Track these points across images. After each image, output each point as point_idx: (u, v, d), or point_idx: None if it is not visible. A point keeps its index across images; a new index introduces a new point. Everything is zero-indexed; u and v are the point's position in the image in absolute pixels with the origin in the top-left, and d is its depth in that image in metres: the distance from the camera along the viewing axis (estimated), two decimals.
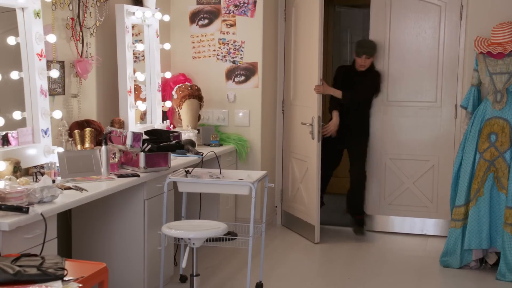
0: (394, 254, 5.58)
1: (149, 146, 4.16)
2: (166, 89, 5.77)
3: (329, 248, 5.75)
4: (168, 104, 5.61)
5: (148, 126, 5.28)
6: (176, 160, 4.78)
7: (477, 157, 4.98)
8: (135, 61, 5.30)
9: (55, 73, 4.08)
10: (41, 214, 3.03)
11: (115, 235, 4.27)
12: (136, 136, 4.15)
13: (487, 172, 4.91)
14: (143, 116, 5.42)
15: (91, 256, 4.25)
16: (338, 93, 5.89)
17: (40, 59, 3.96)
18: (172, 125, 5.73)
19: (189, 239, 3.73)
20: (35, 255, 2.79)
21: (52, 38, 4.04)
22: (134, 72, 5.13)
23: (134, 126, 5.02)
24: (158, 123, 5.44)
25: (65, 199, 3.40)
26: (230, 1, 5.89)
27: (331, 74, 7.27)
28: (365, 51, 5.87)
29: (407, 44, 6.01)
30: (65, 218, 4.37)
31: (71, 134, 4.33)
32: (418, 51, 5.99)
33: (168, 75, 5.57)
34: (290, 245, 5.79)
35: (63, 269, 2.62)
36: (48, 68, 4.16)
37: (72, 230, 4.38)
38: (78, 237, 4.38)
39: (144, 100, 5.36)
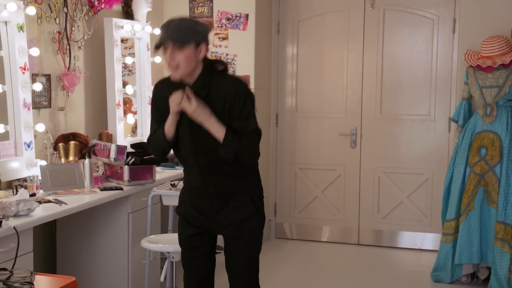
0: (386, 268, 5.53)
1: (133, 159, 4.15)
2: None
3: (322, 262, 5.71)
4: None
5: (139, 139, 5.28)
6: (164, 173, 4.77)
7: (467, 171, 4.94)
8: (128, 74, 5.32)
9: (38, 86, 4.09)
10: (14, 227, 3.02)
11: (99, 249, 4.26)
12: (120, 149, 4.15)
13: (478, 186, 4.86)
14: (134, 129, 5.43)
15: (75, 270, 4.24)
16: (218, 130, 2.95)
17: (24, 73, 3.97)
18: None
19: (168, 252, 3.71)
20: (5, 269, 2.77)
21: (35, 51, 4.05)
22: (126, 84, 5.14)
23: (123, 139, 5.02)
24: None
25: (43, 213, 3.39)
26: (222, 15, 5.90)
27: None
28: (168, 35, 2.90)
29: (401, 57, 5.99)
30: (50, 232, 4.37)
31: (56, 147, 4.33)
32: (412, 64, 5.96)
33: None
34: (283, 259, 5.76)
35: (30, 283, 2.59)
36: (34, 81, 4.17)
37: (57, 243, 4.37)
38: (62, 251, 4.36)
39: (135, 113, 5.37)
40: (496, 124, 4.82)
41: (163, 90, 3.06)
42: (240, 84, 3.02)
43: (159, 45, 2.93)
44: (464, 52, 5.14)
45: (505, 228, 4.71)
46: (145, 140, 5.20)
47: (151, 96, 5.33)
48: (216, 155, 2.96)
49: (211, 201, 3.05)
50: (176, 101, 2.92)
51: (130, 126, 5.34)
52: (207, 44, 3.01)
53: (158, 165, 4.61)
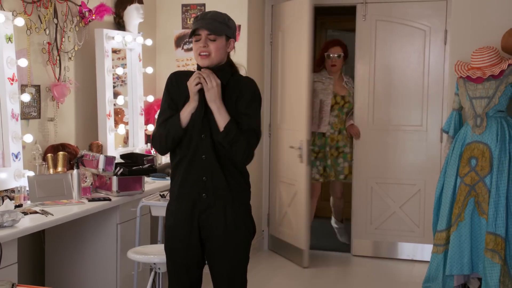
0: (379, 279, 5.53)
1: (121, 169, 4.15)
2: (150, 112, 5.77)
3: (315, 273, 5.70)
4: (151, 127, 5.61)
5: (130, 149, 5.27)
6: (153, 184, 4.77)
7: (458, 182, 4.93)
8: (121, 85, 5.33)
9: (26, 97, 4.09)
10: None
11: (88, 260, 4.25)
12: (108, 159, 4.15)
13: (468, 196, 4.86)
14: (126, 140, 5.43)
15: (64, 281, 4.23)
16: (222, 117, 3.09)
17: (12, 83, 3.97)
18: (154, 149, 5.73)
19: (154, 264, 3.70)
20: None
21: (23, 62, 4.05)
22: (118, 95, 5.15)
23: (113, 149, 5.02)
24: (140, 147, 5.44)
25: (28, 224, 3.39)
26: None
27: None
28: (204, 24, 3.05)
29: (393, 68, 6.01)
30: (39, 243, 4.36)
31: (45, 158, 4.33)
32: (404, 75, 5.98)
33: (150, 98, 5.58)
34: (276, 270, 5.74)
35: None
36: (23, 92, 4.17)
37: (46, 254, 4.36)
38: (51, 262, 4.35)
39: (126, 123, 5.37)
40: (486, 135, 4.82)
41: (178, 79, 3.17)
42: (253, 84, 3.21)
43: (194, 31, 3.05)
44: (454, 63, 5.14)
45: (495, 239, 4.70)
46: (136, 151, 5.28)
47: (143, 106, 5.47)
48: (220, 151, 3.07)
49: (200, 196, 3.08)
50: (194, 81, 3.04)
51: (122, 137, 5.34)
52: (235, 40, 3.19)
53: (148, 175, 4.61)
